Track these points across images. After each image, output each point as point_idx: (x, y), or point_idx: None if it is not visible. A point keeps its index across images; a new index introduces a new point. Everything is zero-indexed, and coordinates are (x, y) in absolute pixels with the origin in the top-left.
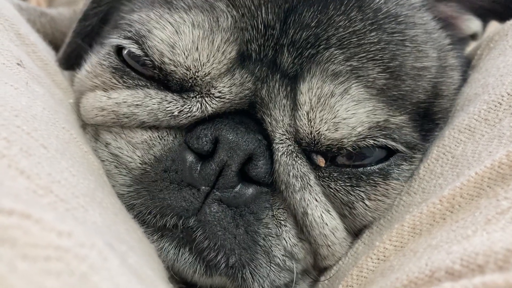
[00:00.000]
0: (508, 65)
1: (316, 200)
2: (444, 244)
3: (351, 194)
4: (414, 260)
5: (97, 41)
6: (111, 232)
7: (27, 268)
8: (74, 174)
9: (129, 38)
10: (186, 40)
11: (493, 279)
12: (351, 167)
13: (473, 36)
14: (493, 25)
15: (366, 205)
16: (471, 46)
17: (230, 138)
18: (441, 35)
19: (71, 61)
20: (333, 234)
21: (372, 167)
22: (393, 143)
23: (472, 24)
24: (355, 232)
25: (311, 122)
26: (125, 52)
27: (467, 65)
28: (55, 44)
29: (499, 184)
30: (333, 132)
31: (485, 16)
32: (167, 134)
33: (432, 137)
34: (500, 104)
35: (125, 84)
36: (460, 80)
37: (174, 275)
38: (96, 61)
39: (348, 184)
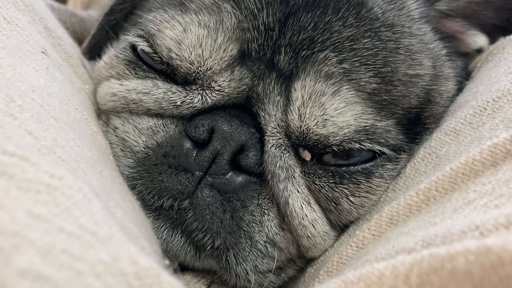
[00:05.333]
0: (498, 75)
1: (298, 191)
2: (413, 231)
3: (335, 191)
4: (386, 245)
5: (118, 34)
6: (104, 194)
7: (19, 195)
8: (80, 145)
9: (141, 36)
10: (192, 37)
11: (437, 250)
12: (335, 165)
13: (479, 51)
14: None
15: (351, 201)
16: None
17: (225, 129)
18: (438, 46)
19: (94, 51)
20: (313, 226)
21: (355, 167)
22: (379, 147)
23: (478, 39)
24: (342, 227)
25: (301, 117)
26: (139, 48)
27: (467, 76)
28: (82, 42)
29: (471, 179)
30: (320, 128)
31: (494, 32)
32: (170, 122)
33: (421, 139)
34: (485, 109)
35: (136, 75)
36: (455, 89)
37: (169, 256)
38: (114, 54)
39: (331, 181)
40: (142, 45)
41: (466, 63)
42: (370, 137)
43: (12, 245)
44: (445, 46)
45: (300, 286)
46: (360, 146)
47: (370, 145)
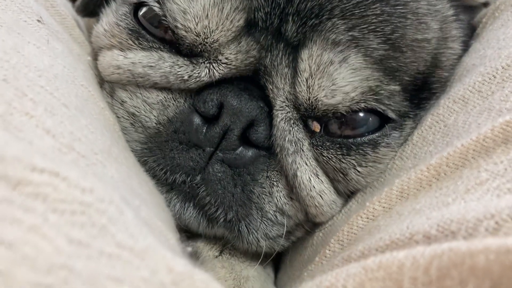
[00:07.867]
0: (507, 38)
1: (306, 164)
2: (426, 209)
3: (342, 162)
4: (398, 222)
5: None
6: (125, 186)
7: (57, 220)
8: (93, 131)
9: None
10: (197, 7)
11: (458, 245)
12: (342, 137)
13: (485, 4)
14: None
15: (358, 171)
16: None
17: (234, 104)
18: (445, 6)
19: (89, 8)
20: (320, 196)
21: (362, 138)
22: (383, 107)
23: None
24: (349, 195)
25: (309, 89)
26: (141, 13)
27: (471, 34)
28: None
29: (482, 156)
30: (329, 99)
31: None
32: (179, 96)
33: (428, 105)
34: (494, 77)
35: (140, 45)
36: (461, 50)
37: (181, 225)
38: (114, 21)
39: (339, 152)
40: (155, 6)
41: (471, 17)
42: (375, 97)
43: (62, 280)
44: (452, 6)
45: (308, 249)
46: (366, 105)
47: (375, 104)
